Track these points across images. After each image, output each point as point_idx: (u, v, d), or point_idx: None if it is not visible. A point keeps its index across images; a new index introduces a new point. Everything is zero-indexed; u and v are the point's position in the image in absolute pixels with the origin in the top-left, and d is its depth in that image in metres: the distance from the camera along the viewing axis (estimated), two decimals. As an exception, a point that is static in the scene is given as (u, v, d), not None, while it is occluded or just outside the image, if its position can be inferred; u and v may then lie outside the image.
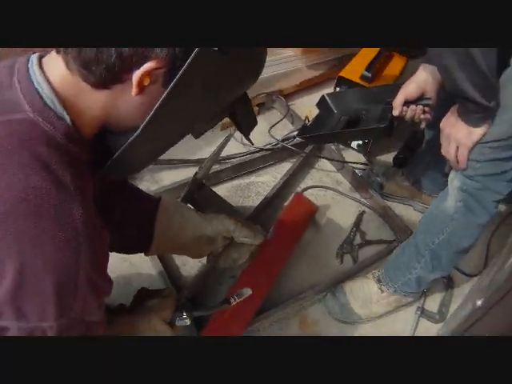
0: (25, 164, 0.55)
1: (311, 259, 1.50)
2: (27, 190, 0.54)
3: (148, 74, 0.58)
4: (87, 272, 0.58)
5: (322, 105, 1.43)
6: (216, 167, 1.65)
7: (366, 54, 1.79)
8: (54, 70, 0.61)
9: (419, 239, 1.22)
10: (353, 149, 1.84)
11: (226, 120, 1.86)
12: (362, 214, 1.64)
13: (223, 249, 1.16)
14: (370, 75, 1.67)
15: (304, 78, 2.08)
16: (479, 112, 0.94)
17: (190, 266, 1.43)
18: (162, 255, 1.41)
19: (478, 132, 0.97)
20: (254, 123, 0.89)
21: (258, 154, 1.75)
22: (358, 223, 1.60)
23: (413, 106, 1.19)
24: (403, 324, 1.38)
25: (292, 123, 1.95)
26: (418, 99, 1.18)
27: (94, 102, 0.62)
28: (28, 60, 0.63)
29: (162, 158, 1.68)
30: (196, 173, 1.27)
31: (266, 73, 2.02)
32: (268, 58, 1.94)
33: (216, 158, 1.31)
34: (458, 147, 1.02)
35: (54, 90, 0.60)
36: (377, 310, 1.34)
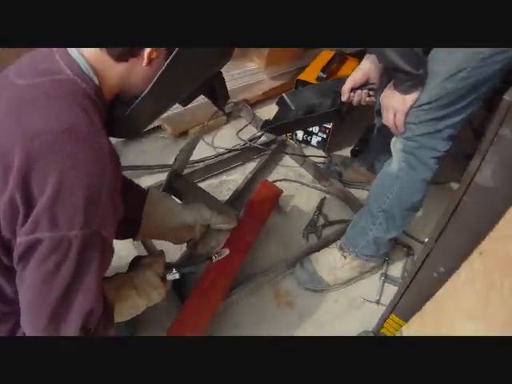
0: (69, 106, 0.75)
1: (279, 240, 1.65)
2: (70, 124, 0.73)
3: (155, 50, 0.82)
4: (109, 188, 0.75)
5: (280, 103, 1.58)
6: (188, 170, 1.80)
7: (322, 59, 1.99)
8: None
9: (372, 203, 1.37)
10: (313, 146, 2.03)
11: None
12: (323, 199, 1.81)
13: (201, 236, 1.28)
14: (325, 76, 1.85)
15: (267, 88, 2.28)
16: (409, 80, 1.12)
17: (171, 253, 1.55)
18: (146, 244, 1.54)
19: (410, 98, 1.15)
20: (228, 96, 1.09)
21: (227, 155, 1.92)
22: (320, 207, 1.76)
23: (358, 91, 1.36)
24: (370, 289, 1.52)
25: (257, 128, 2.12)
26: (364, 85, 1.35)
27: (114, 72, 0.84)
28: None
29: (142, 164, 1.84)
30: (173, 163, 1.39)
31: (233, 85, 2.21)
32: (234, 72, 2.27)
33: (190, 148, 1.43)
34: (395, 114, 1.20)
35: (87, 61, 0.81)
36: (342, 275, 1.48)
